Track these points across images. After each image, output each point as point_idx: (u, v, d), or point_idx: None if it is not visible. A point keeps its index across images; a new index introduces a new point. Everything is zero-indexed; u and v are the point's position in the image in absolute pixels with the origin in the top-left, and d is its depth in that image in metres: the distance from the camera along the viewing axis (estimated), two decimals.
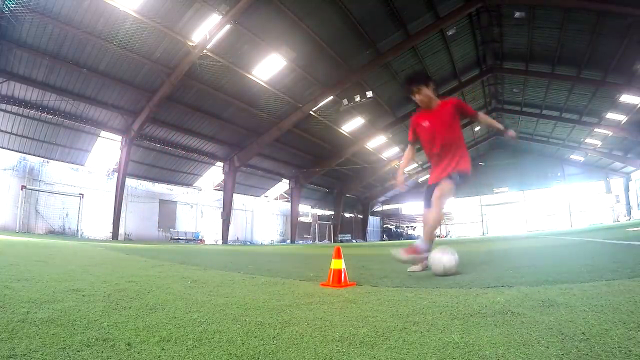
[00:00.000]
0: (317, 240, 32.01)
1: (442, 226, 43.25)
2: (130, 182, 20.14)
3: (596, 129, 24.47)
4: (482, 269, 3.24)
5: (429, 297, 1.81)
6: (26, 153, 16.75)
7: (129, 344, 1.04)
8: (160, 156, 21.04)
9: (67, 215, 17.66)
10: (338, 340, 1.10)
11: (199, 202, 25.23)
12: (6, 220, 15.51)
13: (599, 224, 27.95)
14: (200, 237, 22.91)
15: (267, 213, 30.45)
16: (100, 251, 6.49)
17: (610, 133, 23.92)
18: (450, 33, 17.54)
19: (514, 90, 24.37)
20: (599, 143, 27.67)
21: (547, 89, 22.09)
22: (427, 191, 3.24)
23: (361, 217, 39.19)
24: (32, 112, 14.93)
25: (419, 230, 44.41)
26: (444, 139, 3.23)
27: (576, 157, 34.00)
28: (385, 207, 46.18)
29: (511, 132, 3.41)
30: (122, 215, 17.99)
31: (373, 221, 43.30)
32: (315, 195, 33.24)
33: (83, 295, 1.79)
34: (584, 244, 6.47)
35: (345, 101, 18.82)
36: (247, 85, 16.75)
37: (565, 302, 1.50)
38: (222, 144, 21.23)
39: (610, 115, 21.93)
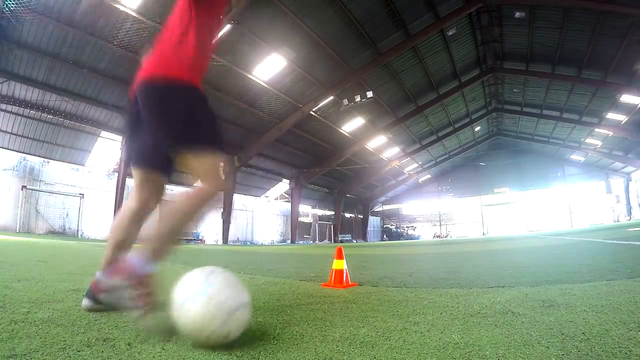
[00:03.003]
0: (317, 241, 32.00)
1: (441, 226, 43.24)
2: (131, 182, 20.13)
3: (596, 129, 24.46)
4: (483, 269, 3.24)
5: (429, 297, 1.81)
6: (26, 153, 16.76)
7: (129, 344, 1.04)
8: None
9: (67, 215, 17.66)
10: (338, 341, 1.10)
11: None
12: (7, 220, 15.51)
13: (599, 224, 27.95)
14: (200, 237, 22.92)
15: (267, 213, 30.44)
16: (101, 251, 6.49)
17: (611, 133, 23.90)
18: (450, 33, 17.54)
19: (514, 90, 24.36)
20: (599, 143, 27.66)
21: (547, 89, 22.09)
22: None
23: (361, 217, 39.19)
24: (33, 112, 14.93)
25: (419, 230, 44.38)
26: None
27: (576, 157, 34.00)
28: (386, 207, 46.19)
29: None
30: None
31: (373, 221, 43.31)
32: (315, 195, 33.23)
33: (83, 296, 1.78)
34: (584, 244, 6.47)
35: (345, 101, 18.82)
36: (248, 86, 16.76)
37: (565, 302, 1.50)
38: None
39: (611, 115, 21.92)
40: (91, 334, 1.12)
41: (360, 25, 15.13)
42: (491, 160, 39.39)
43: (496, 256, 5.10)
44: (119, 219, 1.51)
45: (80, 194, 17.66)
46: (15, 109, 14.65)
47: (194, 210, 1.32)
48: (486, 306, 1.52)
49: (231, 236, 23.70)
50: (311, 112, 19.79)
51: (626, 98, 19.01)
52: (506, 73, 21.97)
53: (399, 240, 37.35)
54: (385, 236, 43.80)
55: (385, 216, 46.53)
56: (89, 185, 18.74)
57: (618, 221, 30.53)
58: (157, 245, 1.27)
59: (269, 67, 15.89)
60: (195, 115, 1.31)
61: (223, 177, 1.36)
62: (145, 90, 1.32)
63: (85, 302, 1.38)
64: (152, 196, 1.51)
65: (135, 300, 1.15)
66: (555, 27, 15.91)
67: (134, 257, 1.24)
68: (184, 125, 1.29)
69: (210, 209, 1.37)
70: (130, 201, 1.52)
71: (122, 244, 1.47)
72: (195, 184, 1.35)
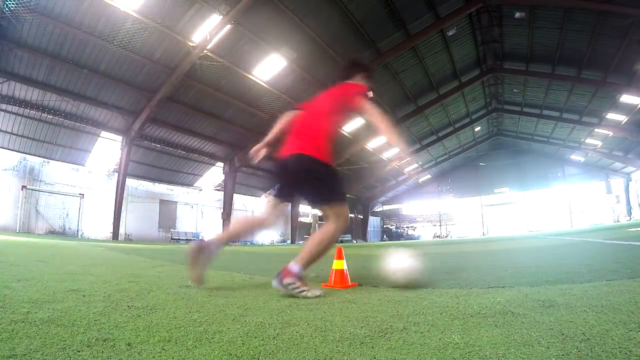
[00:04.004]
0: None
1: (441, 227, 43.28)
2: (131, 182, 20.16)
3: (596, 129, 24.47)
4: (483, 269, 3.24)
5: (430, 298, 1.81)
6: (26, 153, 16.77)
7: (129, 344, 1.04)
8: (161, 156, 21.05)
9: (67, 215, 17.68)
10: (338, 341, 1.10)
11: (200, 203, 25.25)
12: (7, 220, 15.53)
13: (599, 224, 27.94)
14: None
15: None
16: (101, 251, 6.50)
17: (611, 133, 23.90)
18: (450, 33, 17.55)
19: (514, 90, 24.37)
20: (599, 143, 27.66)
21: (547, 89, 22.09)
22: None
23: (361, 217, 39.17)
24: (33, 112, 14.95)
25: (419, 230, 44.39)
26: None
27: (576, 157, 33.99)
28: (386, 207, 46.17)
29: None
30: (123, 215, 18.01)
31: (373, 221, 43.29)
32: None
33: (83, 296, 1.79)
34: (584, 244, 6.47)
35: None
36: (248, 86, 16.76)
37: (565, 302, 1.50)
38: (222, 144, 21.24)
39: (611, 116, 21.92)
40: (91, 334, 1.12)
41: (360, 25, 15.14)
42: (491, 160, 39.37)
43: (496, 256, 5.10)
44: (248, 219, 2.39)
45: (80, 194, 17.68)
46: (15, 109, 14.66)
47: (327, 241, 2.13)
48: (486, 306, 1.52)
49: None
50: None
51: (626, 98, 19.00)
52: (506, 73, 21.97)
53: (399, 240, 37.34)
54: (385, 236, 43.78)
55: (385, 216, 46.51)
56: (89, 185, 18.76)
57: (618, 221, 30.53)
58: (305, 260, 2.07)
59: (269, 67, 15.90)
60: (337, 185, 2.25)
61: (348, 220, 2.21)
62: (308, 163, 2.14)
63: (275, 283, 2.05)
64: (279, 214, 2.35)
65: (299, 289, 1.95)
66: (555, 27, 15.91)
67: (293, 266, 2.02)
68: (332, 191, 2.19)
69: (337, 240, 2.20)
70: (262, 214, 2.32)
71: (237, 236, 2.35)
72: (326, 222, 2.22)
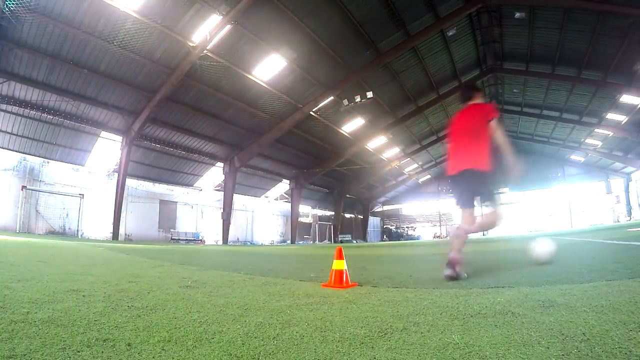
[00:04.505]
0: (317, 241, 32.01)
1: (441, 227, 43.29)
2: (131, 182, 20.15)
3: (596, 130, 24.44)
4: (483, 270, 3.24)
5: (430, 298, 1.81)
6: (26, 153, 16.76)
7: (129, 344, 1.04)
8: (161, 156, 21.04)
9: (67, 215, 17.66)
10: (338, 341, 1.10)
11: (200, 203, 25.24)
12: (6, 220, 15.52)
13: (599, 224, 27.93)
14: (200, 238, 22.93)
15: (267, 213, 30.44)
16: (101, 251, 6.50)
17: (611, 133, 23.89)
18: (450, 33, 17.54)
19: (514, 90, 24.35)
20: (599, 143, 27.64)
21: (547, 89, 22.07)
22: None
23: (361, 217, 39.17)
24: (33, 112, 14.94)
25: (418, 230, 44.39)
26: None
27: (576, 157, 33.98)
28: (386, 207, 46.17)
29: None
30: (123, 215, 18.00)
31: (373, 222, 43.28)
32: (315, 195, 33.23)
33: (83, 296, 1.79)
34: (584, 244, 6.47)
35: (345, 101, 18.81)
36: (248, 86, 16.75)
37: (565, 302, 1.50)
38: (222, 145, 21.23)
39: (611, 116, 21.89)
40: (91, 334, 1.12)
41: (361, 25, 15.13)
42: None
43: (496, 256, 5.10)
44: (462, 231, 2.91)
45: (80, 194, 17.67)
46: (15, 109, 14.65)
47: (490, 221, 2.90)
48: (486, 306, 1.52)
49: (231, 236, 23.71)
50: (311, 113, 19.79)
51: (626, 98, 18.98)
52: (506, 73, 21.96)
53: (399, 240, 37.33)
54: (385, 236, 43.78)
55: (385, 216, 46.50)
56: (89, 185, 18.75)
57: (618, 221, 30.52)
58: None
59: (269, 67, 15.89)
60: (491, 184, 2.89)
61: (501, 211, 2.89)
62: (476, 174, 2.86)
63: (448, 272, 2.56)
64: (472, 219, 2.96)
65: (459, 271, 2.58)
66: (555, 27, 15.90)
67: (453, 254, 2.65)
68: (491, 189, 2.88)
69: (493, 225, 2.93)
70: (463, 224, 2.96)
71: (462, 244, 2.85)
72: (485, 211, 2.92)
